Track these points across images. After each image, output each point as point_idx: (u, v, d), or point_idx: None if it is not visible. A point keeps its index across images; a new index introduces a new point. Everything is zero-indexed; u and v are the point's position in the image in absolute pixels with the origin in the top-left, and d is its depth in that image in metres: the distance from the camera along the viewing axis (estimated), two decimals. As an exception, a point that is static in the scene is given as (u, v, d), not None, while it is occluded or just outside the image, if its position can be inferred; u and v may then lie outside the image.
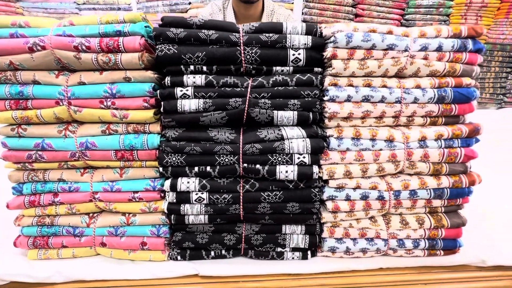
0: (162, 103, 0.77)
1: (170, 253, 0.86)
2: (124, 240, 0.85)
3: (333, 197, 0.83)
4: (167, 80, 0.77)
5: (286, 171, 0.78)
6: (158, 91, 0.77)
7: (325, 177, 0.81)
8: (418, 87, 0.79)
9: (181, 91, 0.76)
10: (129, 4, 2.36)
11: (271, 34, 0.76)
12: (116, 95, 0.77)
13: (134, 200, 0.83)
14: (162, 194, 0.84)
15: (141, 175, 0.83)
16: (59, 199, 0.83)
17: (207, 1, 2.40)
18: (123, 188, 0.83)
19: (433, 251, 0.88)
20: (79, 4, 2.32)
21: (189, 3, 2.42)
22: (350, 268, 0.86)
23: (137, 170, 0.83)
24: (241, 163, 0.78)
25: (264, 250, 0.86)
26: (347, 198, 0.83)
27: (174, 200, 0.80)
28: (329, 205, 0.83)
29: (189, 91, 0.76)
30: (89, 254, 0.87)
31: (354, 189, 0.83)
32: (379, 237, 0.86)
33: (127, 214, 0.85)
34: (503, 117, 2.58)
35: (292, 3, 2.42)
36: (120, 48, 0.73)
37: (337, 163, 0.82)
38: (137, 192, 0.83)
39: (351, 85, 0.78)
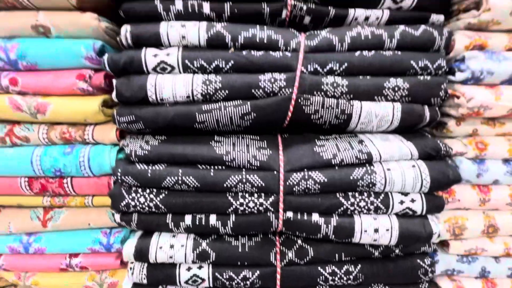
0: (114, 81, 0.37)
1: None
2: None
3: (456, 272, 0.43)
4: (125, 31, 0.36)
5: (376, 230, 0.37)
6: (107, 57, 0.37)
7: (444, 235, 0.41)
8: None
9: (156, 55, 0.35)
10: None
11: None
12: (18, 65, 0.36)
13: (71, 269, 0.44)
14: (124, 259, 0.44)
15: (84, 222, 0.43)
16: None
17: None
18: (48, 248, 0.43)
19: None
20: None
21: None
22: None
23: (77, 212, 0.44)
24: (281, 210, 0.37)
25: None
26: (483, 275, 0.43)
27: (145, 279, 0.40)
28: (446, 286, 0.43)
29: (173, 55, 0.35)
30: None
31: (498, 258, 0.43)
32: None
33: (58, 295, 0.45)
34: None
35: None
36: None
37: (469, 209, 0.41)
38: (76, 255, 0.44)
39: (515, 50, 0.37)
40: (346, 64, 0.36)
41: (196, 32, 0.35)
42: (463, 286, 0.43)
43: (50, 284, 0.45)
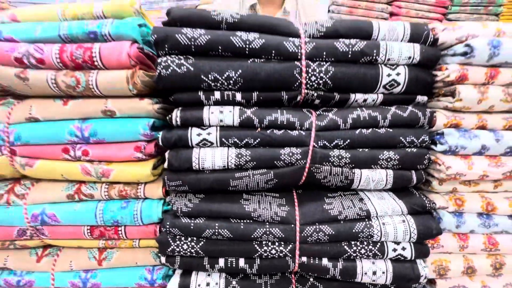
0: (166, 153, 0.46)
1: None
2: None
3: (441, 306, 0.51)
4: (176, 115, 0.45)
5: (374, 272, 0.46)
6: (160, 134, 0.46)
7: (431, 275, 0.50)
8: None
9: (199, 135, 0.45)
10: None
11: (353, 41, 0.44)
12: (90, 140, 0.46)
13: (120, 301, 0.52)
14: (166, 291, 0.53)
15: (132, 261, 0.52)
16: (2, 300, 0.53)
17: (219, -4, 2.09)
18: (102, 283, 0.52)
19: None
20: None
21: (199, -1, 2.11)
22: None
23: (126, 253, 0.52)
24: (297, 256, 0.46)
25: None
26: (465, 309, 0.51)
27: (185, 311, 0.49)
28: (434, 317, 0.51)
29: (213, 135, 0.45)
30: None
31: (477, 294, 0.51)
32: None
33: (109, 323, 0.54)
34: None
35: (317, -1, 2.10)
36: (96, 62, 0.42)
37: (451, 253, 0.50)
38: (125, 289, 0.52)
39: (484, 128, 0.47)
40: (348, 140, 0.46)
41: (231, 116, 0.45)
42: (448, 318, 0.51)
43: (102, 314, 0.54)
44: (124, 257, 0.52)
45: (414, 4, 2.14)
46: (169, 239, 0.47)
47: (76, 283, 0.52)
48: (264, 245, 0.46)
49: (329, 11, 2.15)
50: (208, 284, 0.48)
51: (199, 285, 0.48)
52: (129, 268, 0.53)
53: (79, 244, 0.52)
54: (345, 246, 0.46)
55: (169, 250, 0.47)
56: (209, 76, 0.43)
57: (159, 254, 0.50)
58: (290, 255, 0.46)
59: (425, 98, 0.49)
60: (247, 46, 0.43)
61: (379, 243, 0.46)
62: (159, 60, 0.43)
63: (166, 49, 0.43)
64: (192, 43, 0.43)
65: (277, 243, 0.46)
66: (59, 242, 0.52)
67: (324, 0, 2.11)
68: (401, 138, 0.46)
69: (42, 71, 0.43)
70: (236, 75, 0.44)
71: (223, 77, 0.44)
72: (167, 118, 0.47)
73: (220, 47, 0.43)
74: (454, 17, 2.17)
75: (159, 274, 0.52)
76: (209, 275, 0.49)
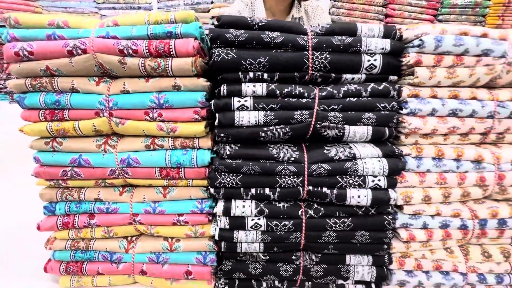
0: (217, 115, 0.67)
1: (217, 283, 0.76)
2: (166, 268, 0.75)
3: (408, 225, 0.72)
4: (223, 89, 0.67)
5: (359, 196, 0.67)
6: (211, 102, 0.67)
7: (399, 202, 0.70)
8: (514, 99, 0.68)
9: (239, 101, 0.66)
10: (149, 3, 2.28)
11: (344, 37, 0.65)
12: (163, 106, 0.67)
13: (178, 223, 0.73)
14: (210, 218, 0.74)
15: (187, 195, 0.73)
16: (96, 221, 0.74)
17: (230, 0, 2.30)
18: (166, 210, 0.73)
19: (519, 287, 0.76)
20: (98, 3, 2.24)
21: (211, 2, 2.32)
22: (423, 306, 0.75)
23: (183, 189, 0.74)
24: (306, 185, 0.67)
25: (323, 282, 0.75)
26: (424, 227, 0.72)
27: (227, 226, 0.70)
28: (403, 234, 0.72)
29: (248, 102, 0.66)
30: (127, 283, 0.78)
31: (433, 216, 0.71)
32: (457, 270, 0.75)
33: (170, 239, 0.75)
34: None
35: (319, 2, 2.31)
36: (171, 52, 0.63)
37: (414, 187, 0.71)
38: (182, 214, 0.73)
39: (435, 97, 0.67)
40: (341, 105, 0.67)
41: (260, 89, 0.66)
42: (413, 233, 0.72)
43: (165, 232, 0.74)
44: (182, 192, 0.73)
45: (407, 6, 2.36)
46: (217, 174, 0.68)
47: (148, 209, 0.73)
48: (282, 178, 0.67)
49: (330, 13, 2.36)
50: (243, 206, 0.69)
51: (237, 207, 0.69)
52: (185, 201, 0.74)
53: (149, 183, 0.73)
54: (339, 178, 0.67)
55: (216, 182, 0.68)
56: (247, 61, 0.64)
57: (208, 188, 0.71)
58: (301, 185, 0.67)
59: (395, 77, 0.69)
60: (272, 41, 0.64)
61: (362, 176, 0.67)
62: (213, 50, 0.65)
63: (218, 43, 0.65)
64: (236, 39, 0.64)
65: (291, 176, 0.67)
66: (136, 181, 0.73)
67: (325, 3, 2.31)
68: (377, 104, 0.67)
69: (135, 58, 0.64)
70: (264, 60, 0.65)
71: (256, 62, 0.65)
72: (216, 91, 0.68)
73: (254, 42, 0.64)
74: (444, 18, 2.38)
75: (206, 204, 0.73)
76: (243, 201, 0.70)
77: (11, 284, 0.77)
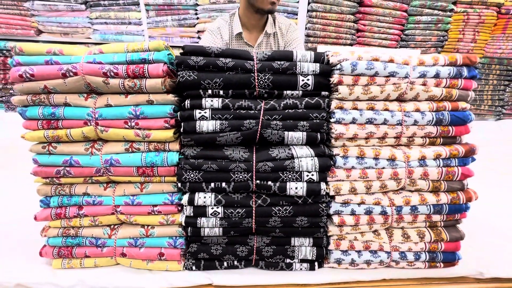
0: (182, 124, 0.84)
1: (186, 263, 0.92)
2: (143, 251, 0.90)
3: (339, 212, 0.89)
4: (187, 103, 0.83)
5: (296, 188, 0.84)
6: (178, 113, 0.84)
7: (331, 193, 0.87)
8: (417, 110, 0.86)
9: (200, 113, 0.83)
10: (139, 19, 2.45)
11: (282, 62, 0.83)
12: (139, 116, 0.83)
13: (153, 213, 0.89)
14: (179, 208, 0.90)
15: (160, 190, 0.89)
16: (84, 212, 0.89)
17: (214, 16, 2.49)
18: (143, 202, 0.89)
19: (434, 263, 0.93)
20: (91, 19, 2.41)
21: (197, 18, 2.51)
22: (355, 279, 0.91)
23: (157, 185, 0.89)
24: (254, 180, 0.84)
25: (274, 261, 0.92)
26: (352, 213, 0.89)
27: (191, 214, 0.86)
28: (335, 219, 0.89)
29: (207, 113, 0.83)
30: (110, 264, 0.93)
31: (359, 204, 0.88)
32: (382, 249, 0.91)
33: (146, 226, 0.90)
34: (502, 129, 2.65)
35: (296, 18, 2.52)
36: (145, 74, 0.80)
37: (343, 180, 0.88)
38: (156, 205, 0.89)
39: (355, 109, 0.85)
40: (281, 116, 0.84)
41: (217, 103, 0.83)
42: (343, 219, 0.89)
43: (142, 220, 0.90)
44: (156, 187, 0.89)
45: (376, 22, 2.57)
46: (183, 171, 0.84)
47: (127, 201, 0.89)
48: (235, 174, 0.84)
49: (306, 28, 2.57)
50: (205, 197, 0.85)
51: (199, 198, 0.85)
52: (159, 194, 0.90)
53: (129, 180, 0.89)
54: (280, 174, 0.84)
55: (183, 178, 0.84)
56: (206, 81, 0.81)
57: (177, 183, 0.87)
58: (250, 179, 0.84)
59: (326, 93, 0.87)
60: (225, 65, 0.82)
61: (299, 172, 0.84)
62: (179, 73, 0.82)
63: (183, 67, 0.82)
64: (196, 64, 0.81)
65: (242, 172, 0.84)
66: (117, 178, 0.89)
67: (301, 19, 2.51)
68: (310, 114, 0.84)
69: (117, 79, 0.80)
70: (220, 80, 0.82)
71: (213, 82, 0.82)
72: (182, 105, 0.85)
73: (211, 66, 0.82)
74: (410, 33, 2.61)
75: (176, 197, 0.89)
76: (205, 193, 0.86)
77: (12, 266, 0.91)
